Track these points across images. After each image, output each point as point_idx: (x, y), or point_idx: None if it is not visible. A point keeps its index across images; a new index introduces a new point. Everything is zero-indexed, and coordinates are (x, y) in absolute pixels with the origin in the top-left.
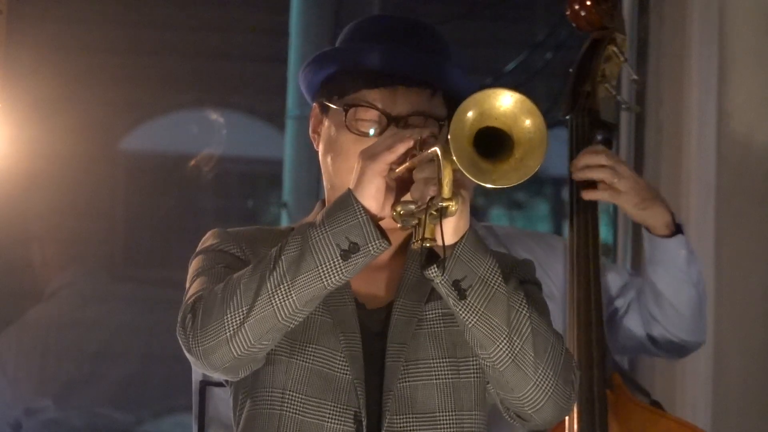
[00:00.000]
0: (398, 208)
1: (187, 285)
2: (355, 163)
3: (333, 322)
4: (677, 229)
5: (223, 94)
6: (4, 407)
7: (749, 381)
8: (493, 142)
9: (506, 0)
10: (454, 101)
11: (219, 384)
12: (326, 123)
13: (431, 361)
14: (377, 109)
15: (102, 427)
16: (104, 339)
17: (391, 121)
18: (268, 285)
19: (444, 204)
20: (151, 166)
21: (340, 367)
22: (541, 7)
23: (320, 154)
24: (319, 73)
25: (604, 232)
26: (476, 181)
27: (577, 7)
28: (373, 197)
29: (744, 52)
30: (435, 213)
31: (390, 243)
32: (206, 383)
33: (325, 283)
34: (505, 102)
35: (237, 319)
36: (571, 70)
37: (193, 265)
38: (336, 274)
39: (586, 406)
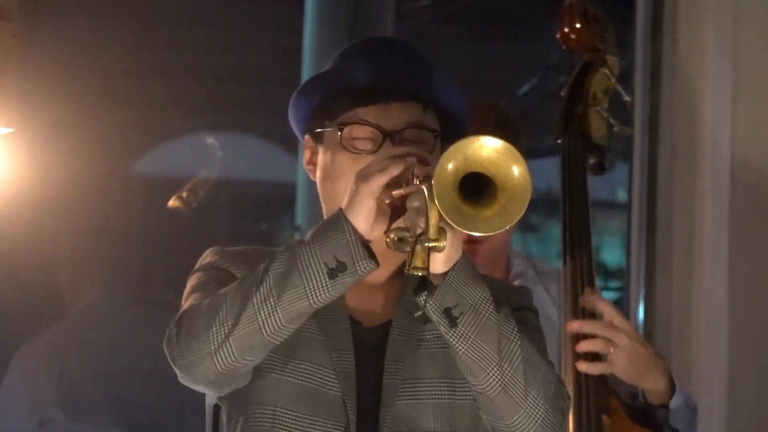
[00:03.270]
0: (392, 235)
1: (183, 302)
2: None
3: (326, 340)
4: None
5: (236, 117)
6: (21, 418)
7: (764, 402)
8: (478, 187)
9: (519, 22)
10: (446, 115)
11: None
12: (321, 150)
13: (428, 380)
14: (371, 125)
15: None
16: (118, 360)
17: (387, 137)
18: (254, 300)
19: (430, 244)
20: (165, 190)
21: (330, 383)
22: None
23: (318, 182)
24: (310, 100)
25: (617, 256)
26: (458, 228)
27: (566, 29)
28: (363, 218)
29: (758, 75)
30: (424, 246)
31: (378, 264)
32: (220, 407)
33: (312, 301)
34: (489, 148)
35: (222, 333)
36: (562, 93)
37: (190, 281)
38: (322, 293)
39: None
